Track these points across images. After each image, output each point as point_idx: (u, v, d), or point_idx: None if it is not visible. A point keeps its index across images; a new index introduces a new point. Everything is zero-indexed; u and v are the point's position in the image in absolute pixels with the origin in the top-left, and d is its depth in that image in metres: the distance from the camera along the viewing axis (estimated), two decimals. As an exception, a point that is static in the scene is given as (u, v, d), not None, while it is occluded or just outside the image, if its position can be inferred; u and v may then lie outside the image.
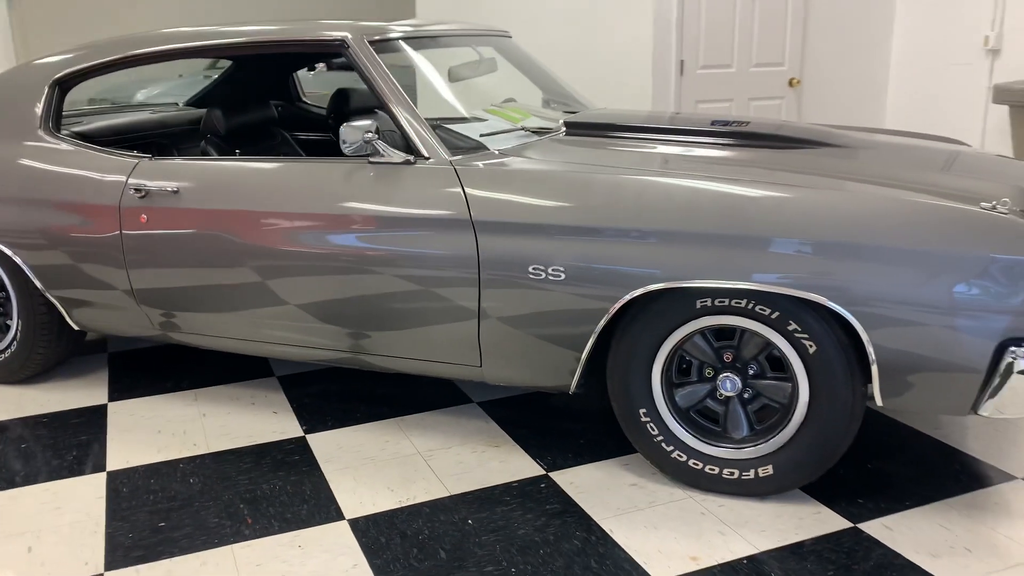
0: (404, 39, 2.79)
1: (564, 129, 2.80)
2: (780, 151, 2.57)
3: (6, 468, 2.56)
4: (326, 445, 2.66)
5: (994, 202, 2.02)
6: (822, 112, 5.74)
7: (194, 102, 4.20)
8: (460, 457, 2.56)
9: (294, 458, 2.59)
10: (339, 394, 3.03)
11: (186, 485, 2.44)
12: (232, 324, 2.75)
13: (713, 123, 2.95)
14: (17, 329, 3.06)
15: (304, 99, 4.21)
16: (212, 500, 2.35)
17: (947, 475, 2.37)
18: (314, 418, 2.85)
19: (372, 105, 3.81)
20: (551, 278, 2.25)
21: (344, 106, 3.70)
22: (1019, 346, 1.93)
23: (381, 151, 2.46)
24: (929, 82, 5.65)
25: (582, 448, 2.59)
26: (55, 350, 3.12)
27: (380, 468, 2.51)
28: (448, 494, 2.35)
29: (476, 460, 2.54)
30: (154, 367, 3.33)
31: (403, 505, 2.30)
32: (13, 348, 3.09)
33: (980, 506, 2.21)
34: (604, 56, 5.56)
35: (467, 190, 2.34)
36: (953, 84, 5.50)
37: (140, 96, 8.79)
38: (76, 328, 3.05)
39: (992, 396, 1.99)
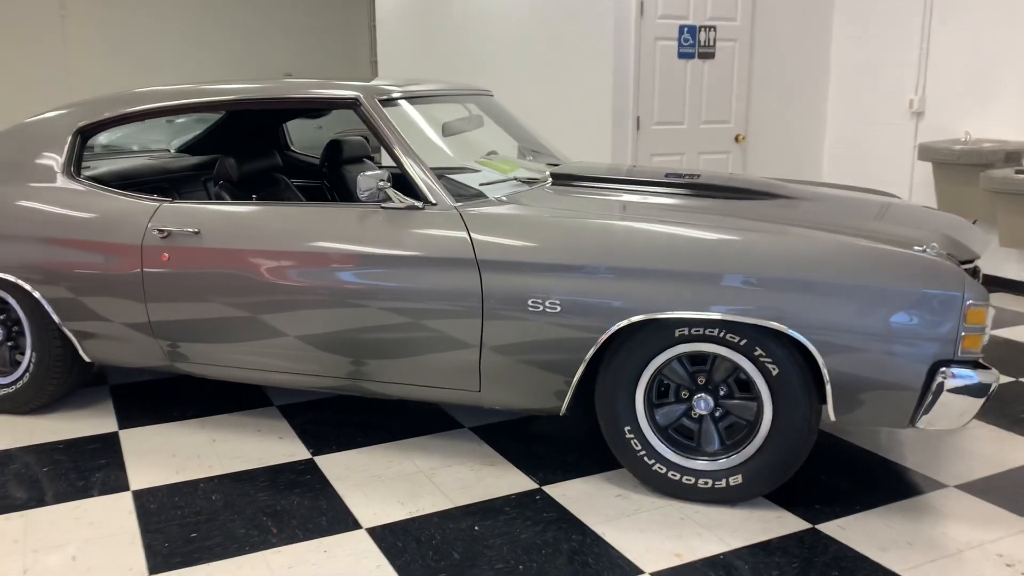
0: (404, 97, 3.10)
1: (550, 180, 3.14)
2: (735, 201, 2.94)
3: (34, 489, 2.73)
4: (334, 466, 2.89)
5: (924, 246, 2.41)
6: (765, 165, 6.23)
7: (186, 148, 4.43)
8: (460, 474, 2.82)
9: (306, 477, 2.81)
10: (338, 421, 3.26)
11: (209, 502, 2.64)
12: (242, 355, 2.98)
13: (667, 175, 3.33)
14: (31, 361, 3.23)
15: (292, 148, 4.49)
16: (236, 514, 2.56)
17: (888, 484, 2.72)
18: (319, 442, 3.08)
19: (362, 155, 4.13)
20: (548, 310, 2.55)
21: (337, 155, 3.99)
22: (948, 367, 2.30)
23: (393, 197, 2.75)
24: (861, 140, 6.19)
25: (569, 465, 2.87)
26: (65, 382, 3.29)
27: (388, 484, 2.75)
28: (453, 505, 2.61)
29: (475, 477, 2.80)
30: (157, 398, 3.51)
31: (414, 515, 2.55)
32: (25, 380, 3.26)
33: (918, 509, 2.56)
34: (567, 112, 5.97)
35: (472, 233, 2.65)
36: (882, 142, 6.04)
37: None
38: (87, 360, 3.23)
39: (926, 412, 2.35)
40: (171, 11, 13.95)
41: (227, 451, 3.01)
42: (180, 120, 6.58)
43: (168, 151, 4.53)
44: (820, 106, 6.39)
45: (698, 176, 3.33)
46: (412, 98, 3.14)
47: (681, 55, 5.77)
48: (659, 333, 2.51)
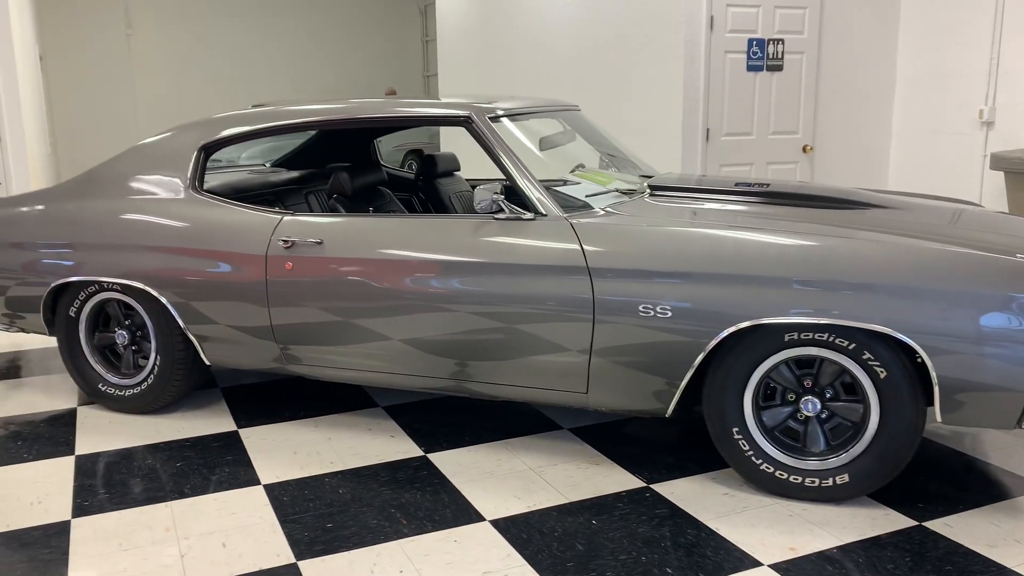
0: (507, 115, 3.26)
1: (648, 191, 3.27)
2: (831, 210, 3.04)
3: (173, 483, 2.92)
4: (447, 463, 3.05)
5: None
6: (832, 175, 6.30)
7: (281, 163, 4.65)
8: (568, 472, 2.96)
9: (423, 473, 2.97)
10: (443, 421, 3.42)
11: (337, 495, 2.81)
12: (355, 357, 3.15)
13: (737, 184, 3.44)
14: (155, 364, 3.44)
15: (383, 162, 4.68)
16: (365, 506, 2.73)
17: (984, 484, 2.80)
18: (429, 440, 3.24)
19: (453, 169, 4.30)
20: (659, 315, 2.69)
21: (432, 169, 4.17)
22: (1054, 370, 2.38)
23: (506, 209, 2.91)
24: (928, 149, 6.23)
25: (671, 465, 3.00)
26: (186, 384, 3.50)
27: (501, 480, 2.90)
28: (568, 501, 2.75)
29: (583, 475, 2.94)
30: (267, 399, 3.71)
31: (532, 509, 2.69)
32: (150, 381, 3.47)
33: (1021, 508, 2.64)
34: (636, 124, 6.10)
35: (583, 243, 2.79)
36: (950, 151, 6.08)
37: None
38: (207, 363, 3.43)
39: (1032, 413, 2.44)
40: (230, 29, 14.38)
41: (344, 449, 3.19)
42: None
43: (264, 165, 4.75)
44: (886, 116, 6.45)
45: (768, 185, 3.45)
46: (513, 115, 3.30)
47: (750, 68, 5.88)
48: (769, 338, 2.63)
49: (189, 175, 3.39)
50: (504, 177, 3.03)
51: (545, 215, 2.91)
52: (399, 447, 3.20)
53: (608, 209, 2.97)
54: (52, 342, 4.65)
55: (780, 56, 5.94)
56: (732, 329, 2.61)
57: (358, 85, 15.24)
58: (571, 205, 2.98)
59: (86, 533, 2.58)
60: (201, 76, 14.26)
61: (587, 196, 3.08)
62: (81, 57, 13.54)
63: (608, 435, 3.28)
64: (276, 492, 2.84)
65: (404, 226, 3.05)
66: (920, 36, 6.19)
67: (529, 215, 2.91)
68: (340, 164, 4.59)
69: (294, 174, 4.29)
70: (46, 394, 3.84)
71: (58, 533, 2.58)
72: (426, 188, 4.16)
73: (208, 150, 3.43)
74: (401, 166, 9.31)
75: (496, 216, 2.94)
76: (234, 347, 3.33)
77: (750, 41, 5.83)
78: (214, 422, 3.47)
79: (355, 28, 15.14)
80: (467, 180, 4.48)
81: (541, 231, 2.88)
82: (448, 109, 3.14)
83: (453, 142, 8.84)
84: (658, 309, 2.68)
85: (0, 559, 2.44)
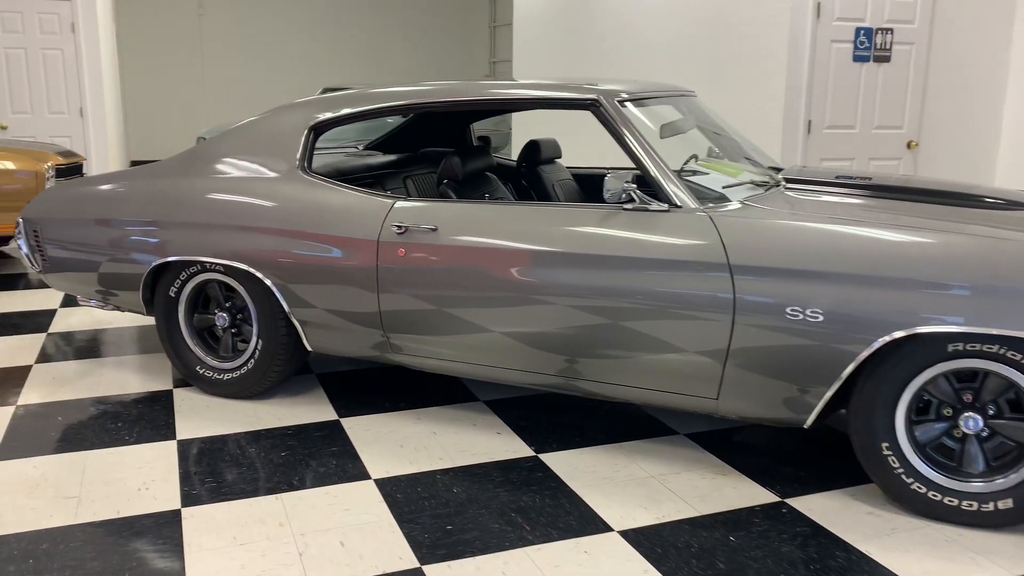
0: (631, 100, 3.07)
1: (784, 183, 3.07)
2: (985, 209, 2.79)
3: (280, 474, 2.82)
4: (562, 465, 2.89)
5: None
6: (936, 172, 5.99)
7: (374, 146, 4.53)
8: (693, 482, 2.78)
9: (537, 475, 2.82)
10: (550, 420, 3.27)
11: (451, 494, 2.68)
12: (466, 348, 3.01)
13: (838, 176, 3.22)
14: (256, 348, 3.34)
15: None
16: (483, 508, 2.59)
17: None
18: (538, 439, 3.09)
19: (556, 155, 4.13)
20: (808, 319, 2.49)
21: (536, 155, 4.01)
22: None
23: (640, 199, 2.73)
24: (1043, 149, 5.88)
25: (804, 479, 2.80)
26: (286, 369, 3.39)
27: (622, 488, 2.73)
28: (699, 514, 2.57)
29: (709, 485, 2.76)
30: (365, 388, 3.59)
31: (662, 521, 2.52)
32: (250, 365, 3.37)
33: None
34: (734, 114, 5.86)
35: (724, 237, 2.61)
36: (1068, 152, 5.72)
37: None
38: (309, 349, 3.32)
39: None
40: (300, 12, 14.37)
41: (450, 444, 3.05)
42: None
43: (356, 148, 4.64)
44: (997, 112, 6.10)
45: (870, 179, 3.22)
46: (637, 99, 3.11)
47: (856, 58, 5.59)
48: (929, 347, 2.41)
49: (298, 155, 3.28)
50: (634, 165, 2.84)
51: (680, 207, 2.73)
52: (508, 445, 3.05)
53: (747, 202, 2.77)
54: (132, 320, 4.61)
55: (888, 47, 5.64)
56: (889, 338, 2.40)
57: (425, 70, 15.15)
58: (706, 197, 2.79)
59: (198, 524, 2.49)
60: (268, 58, 14.29)
61: (724, 188, 2.89)
62: (153, 35, 13.65)
63: (727, 442, 3.09)
64: (388, 488, 2.72)
65: (524, 214, 2.89)
66: (1038, 28, 5.83)
67: (662, 206, 2.73)
68: (439, 149, 4.45)
69: (391, 157, 4.16)
70: (138, 374, 3.77)
71: (169, 522, 2.49)
72: (528, 175, 4.00)
73: (318, 130, 3.31)
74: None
75: (625, 207, 2.77)
76: (337, 333, 3.21)
77: (857, 30, 5.55)
78: (314, 410, 3.37)
79: (422, 13, 15.03)
80: (568, 168, 4.31)
81: (676, 224, 2.69)
82: (573, 92, 2.97)
83: (520, 129, 8.67)
84: (808, 312, 2.49)
85: (115, 548, 2.35)
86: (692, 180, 2.92)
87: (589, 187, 4.34)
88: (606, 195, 2.72)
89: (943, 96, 5.89)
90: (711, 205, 2.73)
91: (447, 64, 15.30)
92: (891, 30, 5.61)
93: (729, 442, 3.09)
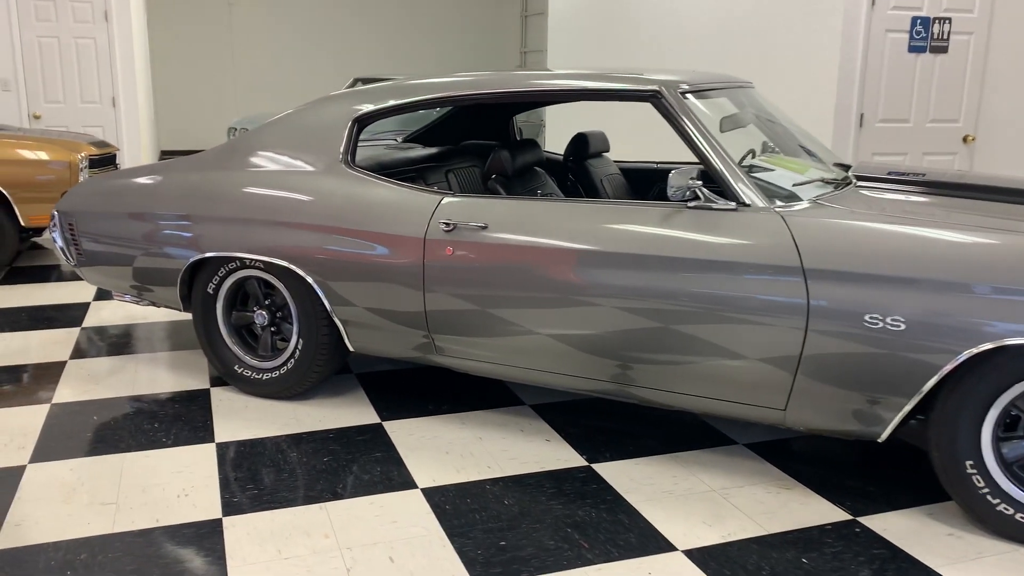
0: (693, 91, 2.91)
1: (855, 180, 2.89)
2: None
3: (323, 481, 2.70)
4: (617, 476, 2.75)
5: None
6: (993, 169, 5.75)
7: (413, 138, 4.40)
8: (757, 497, 2.63)
9: (592, 486, 2.68)
10: (600, 427, 3.13)
11: (503, 506, 2.55)
12: (513, 351, 2.87)
13: (890, 173, 3.04)
14: (296, 347, 3.23)
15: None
16: (537, 523, 2.46)
17: None
18: (589, 448, 2.95)
19: (604, 149, 3.98)
20: (889, 327, 2.32)
21: (584, 149, 3.86)
22: None
23: (707, 197, 2.58)
24: (1106, 144, 5.63)
25: (875, 495, 2.64)
26: (326, 369, 3.28)
27: (683, 502, 2.59)
28: (766, 532, 2.42)
29: (775, 501, 2.60)
30: (406, 389, 3.47)
31: (728, 540, 2.38)
32: (290, 365, 3.26)
33: None
34: (785, 108, 5.66)
35: (797, 239, 2.44)
36: None
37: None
38: (350, 349, 3.20)
39: None
40: (329, 2, 14.26)
41: (498, 451, 2.92)
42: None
43: (395, 140, 4.51)
44: (1058, 106, 5.85)
45: (924, 175, 3.04)
46: (698, 91, 2.95)
47: (912, 49, 5.38)
48: (1019, 360, 2.24)
49: (342, 149, 3.15)
50: (698, 160, 2.68)
51: (748, 205, 2.57)
52: (558, 453, 2.91)
53: (820, 201, 2.61)
54: (165, 315, 4.52)
55: (946, 37, 5.42)
56: (976, 350, 2.23)
57: (455, 60, 15.00)
58: (775, 195, 2.63)
59: (240, 534, 2.38)
60: (298, 49, 14.21)
61: (794, 186, 2.72)
62: (183, 26, 13.62)
63: (788, 452, 2.93)
64: (436, 498, 2.59)
65: (580, 212, 2.75)
66: (1103, 18, 5.57)
67: (729, 204, 2.57)
68: (481, 141, 4.32)
69: (432, 150, 4.03)
70: (173, 372, 3.68)
71: (210, 533, 2.38)
72: (576, 169, 3.85)
73: (362, 122, 3.18)
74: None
75: (689, 205, 2.61)
76: (380, 333, 3.09)
77: (914, 19, 5.33)
78: (355, 412, 3.25)
79: (453, 2, 14.87)
80: (615, 163, 4.15)
81: (744, 224, 2.53)
82: (633, 83, 2.81)
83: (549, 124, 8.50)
84: (889, 320, 2.32)
85: (155, 560, 2.25)
86: (758, 177, 2.76)
87: (638, 182, 4.18)
88: (670, 192, 2.57)
89: (1002, 88, 5.66)
90: (781, 204, 2.56)
91: (477, 54, 15.14)
92: (949, 19, 5.39)
93: (790, 452, 2.93)
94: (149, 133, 9.83)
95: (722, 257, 2.51)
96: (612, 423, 3.17)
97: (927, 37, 5.37)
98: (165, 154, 13.37)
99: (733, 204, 2.57)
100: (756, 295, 2.47)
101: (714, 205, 2.58)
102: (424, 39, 14.85)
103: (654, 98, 2.77)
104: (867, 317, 2.34)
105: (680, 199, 2.60)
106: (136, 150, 8.39)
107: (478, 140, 4.36)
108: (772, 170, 2.93)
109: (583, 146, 3.84)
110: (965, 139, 5.64)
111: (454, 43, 15.03)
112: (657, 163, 4.13)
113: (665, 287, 2.58)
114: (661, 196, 4.07)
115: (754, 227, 2.51)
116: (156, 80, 13.43)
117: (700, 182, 2.57)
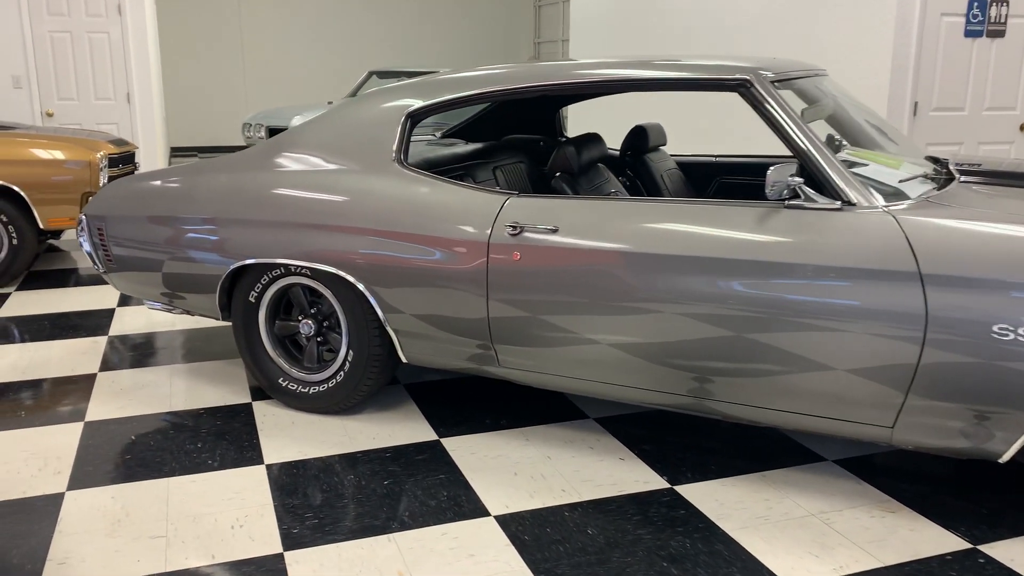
0: (779, 80, 2.68)
1: (959, 176, 2.67)
2: None
3: (387, 508, 2.49)
4: (704, 499, 2.54)
5: None
6: (1050, 159, 5.51)
7: (453, 133, 4.18)
8: (861, 522, 2.41)
9: (680, 512, 2.46)
10: (676, 443, 2.91)
11: (587, 536, 2.33)
12: (583, 363, 2.65)
13: (1007, 168, 2.83)
14: (346, 359, 3.01)
15: (566, 135, 4.16)
16: (628, 555, 2.24)
17: None
18: (667, 468, 2.73)
19: (662, 143, 3.74)
20: (1021, 339, 2.10)
21: (643, 143, 3.63)
22: None
23: (807, 195, 2.35)
24: None
25: (989, 518, 2.42)
26: (377, 382, 3.06)
27: (782, 529, 2.37)
28: (882, 564, 2.20)
29: (881, 526, 2.38)
30: (459, 401, 3.26)
31: (843, 574, 2.16)
32: (339, 378, 3.05)
33: None
34: (832, 95, 5.41)
35: (912, 241, 2.22)
36: None
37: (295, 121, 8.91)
38: (404, 360, 2.99)
39: None
40: (342, -6, 14.02)
41: (570, 472, 2.71)
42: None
43: (434, 135, 4.29)
44: (1117, 92, 5.59)
45: (980, 165, 2.81)
46: (782, 80, 2.72)
47: (968, 33, 5.13)
48: None
49: (395, 147, 2.92)
50: (793, 155, 2.45)
51: (854, 204, 2.34)
52: (636, 474, 2.70)
53: (928, 199, 2.38)
54: (194, 323, 4.31)
55: (1003, 20, 5.17)
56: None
57: (467, 51, 14.75)
58: (882, 193, 2.40)
59: (305, 572, 2.16)
60: (309, 42, 13.97)
61: (900, 182, 2.49)
62: (193, 21, 13.38)
63: (883, 470, 2.71)
64: (512, 527, 2.38)
65: (661, 213, 2.52)
66: None
67: (833, 203, 2.35)
68: (525, 136, 4.09)
69: (477, 146, 3.80)
70: (210, 384, 3.47)
71: (273, 571, 2.17)
72: (635, 164, 3.62)
73: (415, 118, 2.95)
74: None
75: (787, 204, 2.38)
76: (437, 344, 2.87)
77: (971, 2, 5.08)
78: (410, 428, 3.04)
79: (466, -9, 14.60)
80: (672, 156, 3.92)
81: (851, 225, 2.31)
82: (720, 72, 2.58)
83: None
84: (1021, 332, 2.10)
85: (216, 605, 2.04)
86: (858, 173, 2.53)
87: (696, 176, 3.95)
88: (769, 190, 2.35)
89: (1060, 74, 5.40)
90: (888, 203, 2.34)
91: (490, 45, 14.88)
92: (1007, 1, 5.14)
93: (883, 469, 2.71)
94: (162, 130, 9.62)
95: (827, 262, 2.29)
96: (686, 437, 2.95)
97: (984, 20, 5.12)
98: (175, 151, 13.16)
99: (838, 203, 2.34)
100: (865, 304, 2.25)
101: (817, 204, 2.35)
102: (435, 30, 14.60)
103: (743, 87, 2.54)
104: (995, 328, 2.12)
105: (777, 198, 2.37)
106: (152, 147, 8.17)
107: (521, 134, 4.13)
108: (866, 164, 2.70)
109: (642, 140, 3.61)
110: (1022, 127, 5.39)
111: (466, 34, 14.77)
112: (715, 156, 3.90)
113: (761, 295, 2.35)
114: (721, 192, 3.84)
115: (863, 228, 2.29)
116: (165, 76, 13.20)
117: (801, 179, 2.34)
